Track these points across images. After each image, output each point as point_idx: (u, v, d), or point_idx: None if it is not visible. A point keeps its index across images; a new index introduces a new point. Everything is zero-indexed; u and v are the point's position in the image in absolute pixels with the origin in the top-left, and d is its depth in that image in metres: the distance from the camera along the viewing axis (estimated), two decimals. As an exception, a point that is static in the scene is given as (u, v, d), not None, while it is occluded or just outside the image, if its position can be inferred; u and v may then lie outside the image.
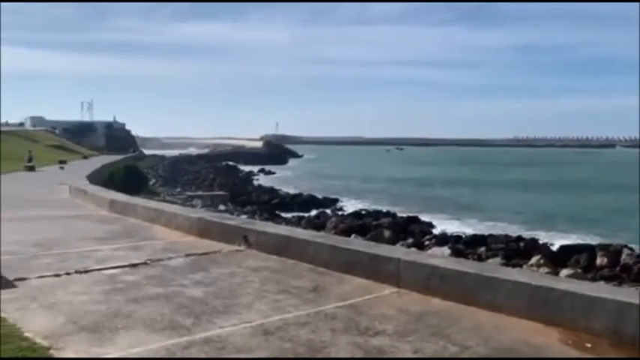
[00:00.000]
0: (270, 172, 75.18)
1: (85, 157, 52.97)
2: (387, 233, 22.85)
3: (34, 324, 4.19)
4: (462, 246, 21.08)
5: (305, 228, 20.40)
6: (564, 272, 15.72)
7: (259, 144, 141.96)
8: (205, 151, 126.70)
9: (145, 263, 6.38)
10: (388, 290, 5.16)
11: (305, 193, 43.35)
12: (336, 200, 41.24)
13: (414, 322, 4.31)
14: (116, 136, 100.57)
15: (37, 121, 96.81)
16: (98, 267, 6.16)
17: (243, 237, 7.19)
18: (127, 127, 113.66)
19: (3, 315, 4.37)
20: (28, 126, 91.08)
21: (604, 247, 19.09)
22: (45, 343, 3.80)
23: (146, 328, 4.15)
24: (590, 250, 18.96)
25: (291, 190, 46.57)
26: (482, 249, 20.30)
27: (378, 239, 19.33)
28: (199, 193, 39.28)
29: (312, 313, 4.53)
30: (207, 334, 4.03)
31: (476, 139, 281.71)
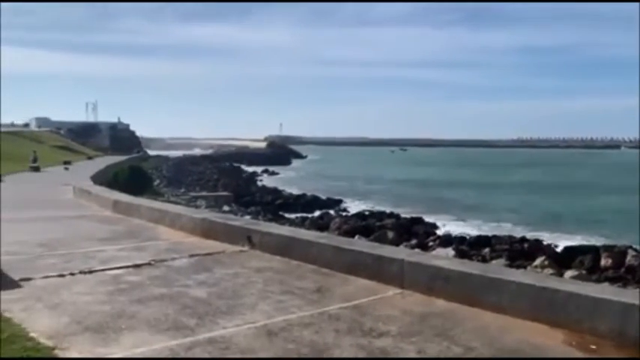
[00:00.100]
0: (273, 173, 75.31)
1: (90, 158, 53.07)
2: (390, 234, 22.88)
3: (39, 324, 4.20)
4: (466, 247, 21.08)
5: (308, 229, 20.38)
6: (569, 273, 15.69)
7: (263, 145, 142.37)
8: (209, 151, 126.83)
9: (148, 264, 6.38)
10: (392, 291, 5.14)
11: (309, 194, 43.34)
12: (339, 201, 41.26)
13: (418, 323, 4.30)
14: (120, 137, 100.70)
15: (43, 121, 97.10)
16: (102, 267, 6.17)
17: (247, 237, 7.18)
18: (132, 127, 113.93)
19: (8, 315, 4.39)
20: (33, 127, 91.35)
21: (608, 249, 19.02)
22: (49, 343, 3.81)
23: (150, 329, 4.15)
24: (594, 252, 18.89)
25: (295, 191, 46.58)
26: (487, 250, 20.28)
27: (382, 240, 19.36)
28: (203, 193, 39.39)
29: (315, 314, 4.52)
30: (211, 335, 4.03)
31: (480, 140, 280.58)
